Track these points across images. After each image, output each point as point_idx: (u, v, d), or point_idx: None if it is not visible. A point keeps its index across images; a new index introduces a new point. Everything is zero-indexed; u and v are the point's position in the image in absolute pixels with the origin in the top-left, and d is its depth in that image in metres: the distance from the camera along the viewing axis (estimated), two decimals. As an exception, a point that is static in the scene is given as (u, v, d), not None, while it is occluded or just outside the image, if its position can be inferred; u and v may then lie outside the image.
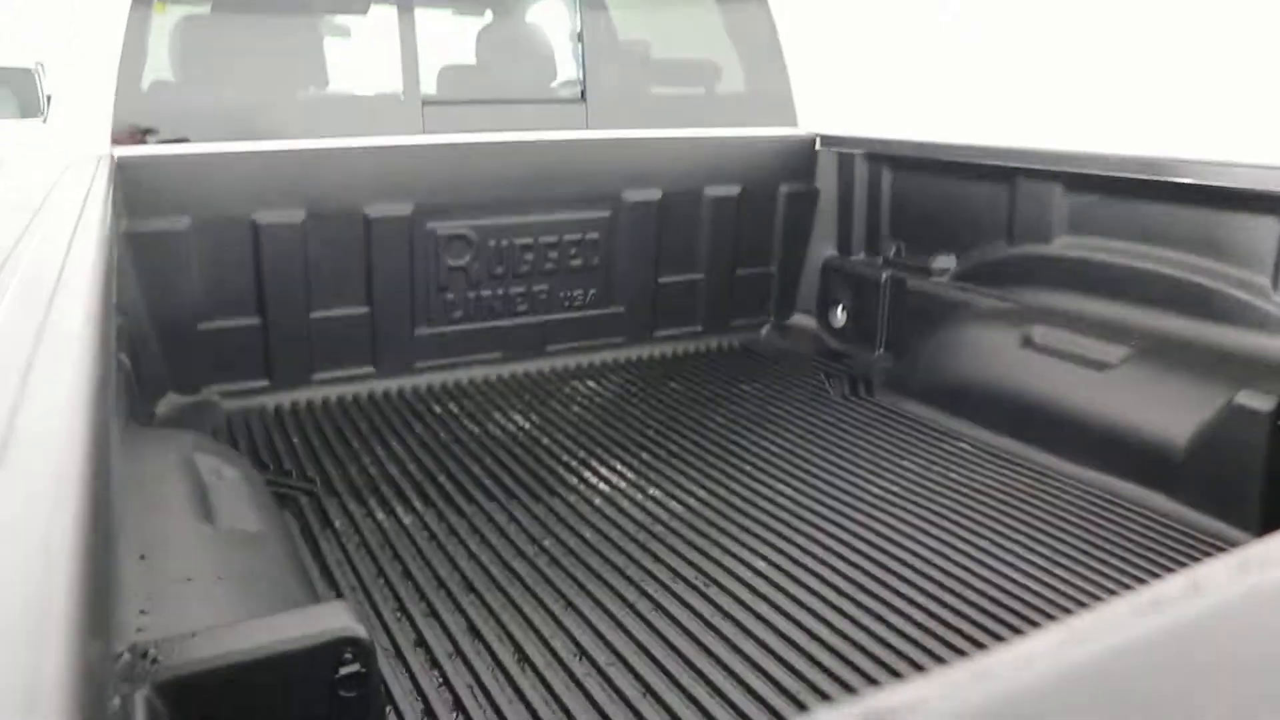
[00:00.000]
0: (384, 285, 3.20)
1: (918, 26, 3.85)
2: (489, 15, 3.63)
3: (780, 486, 2.59)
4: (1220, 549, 2.27)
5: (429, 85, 3.28)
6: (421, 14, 3.23)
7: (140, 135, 2.87)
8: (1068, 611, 2.00)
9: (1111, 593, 2.08)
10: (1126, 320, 2.83)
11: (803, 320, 4.02)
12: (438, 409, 3.15)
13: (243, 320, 3.05)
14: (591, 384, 3.43)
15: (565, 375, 3.51)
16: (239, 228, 2.96)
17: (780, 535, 2.32)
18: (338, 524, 2.36)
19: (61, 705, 0.36)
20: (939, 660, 1.84)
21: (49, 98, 4.85)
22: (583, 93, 3.50)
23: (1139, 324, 2.79)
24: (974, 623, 1.96)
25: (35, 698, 0.35)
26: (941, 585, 2.10)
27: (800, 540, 2.29)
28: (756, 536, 2.31)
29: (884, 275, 3.62)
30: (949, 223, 3.44)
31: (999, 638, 1.91)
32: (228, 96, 3.03)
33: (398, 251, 3.19)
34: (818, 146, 3.86)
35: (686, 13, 3.95)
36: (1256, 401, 2.30)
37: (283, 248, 3.01)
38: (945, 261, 3.46)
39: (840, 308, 3.86)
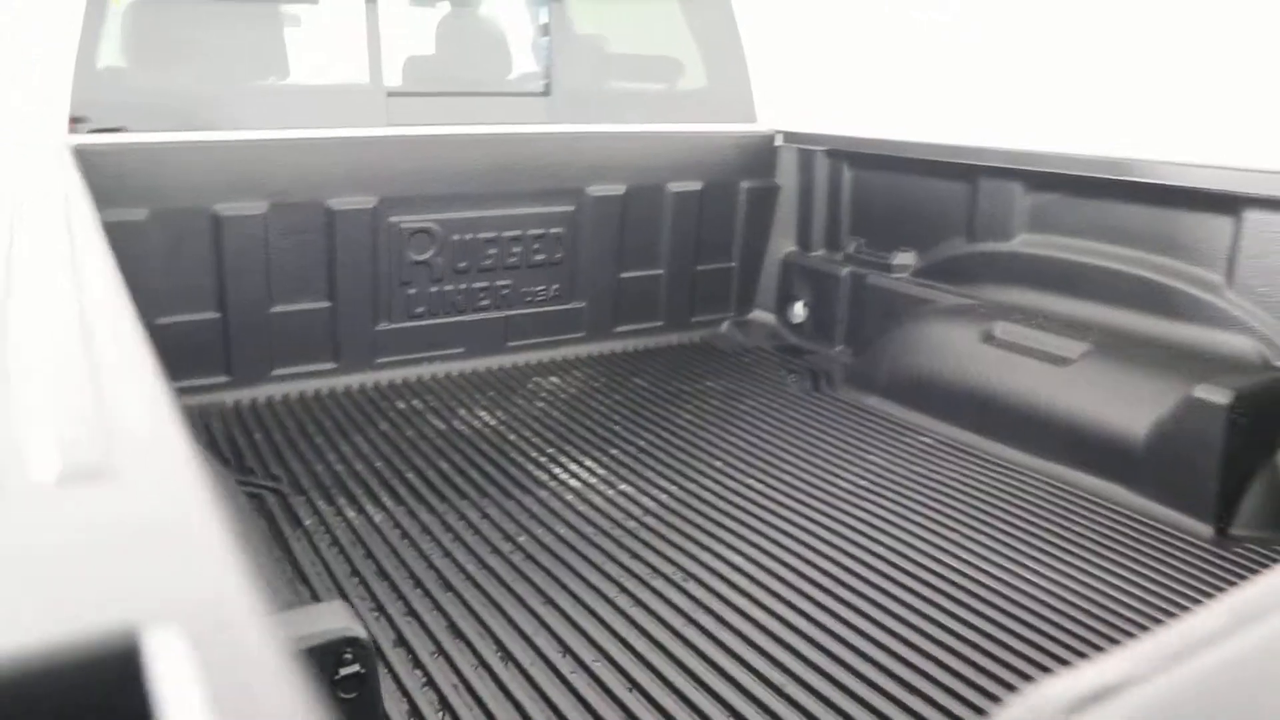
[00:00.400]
0: (346, 279, 3.15)
1: (883, 24, 3.90)
2: (453, 7, 3.59)
3: (750, 481, 2.61)
4: (1178, 539, 2.33)
5: (393, 77, 3.24)
6: (386, 4, 3.19)
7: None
8: (1036, 600, 2.05)
9: (1078, 582, 2.13)
10: (1086, 316, 2.90)
11: (761, 316, 4.05)
12: (401, 405, 3.11)
13: (202, 315, 2.99)
14: (555, 380, 3.42)
15: (528, 371, 3.49)
16: (199, 219, 2.89)
17: (753, 529, 2.33)
18: (307, 523, 2.32)
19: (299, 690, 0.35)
20: (914, 647, 1.86)
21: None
22: (547, 87, 3.48)
23: (1098, 320, 2.86)
24: (947, 611, 1.99)
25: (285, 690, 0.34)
26: (913, 575, 2.13)
27: (773, 534, 2.31)
28: (730, 531, 2.32)
29: (844, 271, 3.66)
30: (910, 219, 3.49)
31: (971, 625, 1.95)
32: (188, 85, 2.96)
33: (361, 245, 3.14)
34: (779, 143, 3.88)
35: (649, 9, 3.95)
36: (1213, 395, 2.37)
37: (244, 240, 2.95)
38: (906, 258, 3.50)
39: (800, 303, 3.89)
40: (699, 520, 2.38)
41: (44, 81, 2.81)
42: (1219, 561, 2.25)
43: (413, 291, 3.29)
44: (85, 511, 0.49)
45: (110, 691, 0.35)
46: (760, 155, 3.87)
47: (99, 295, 0.95)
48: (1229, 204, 2.60)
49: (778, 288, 3.98)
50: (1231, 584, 2.15)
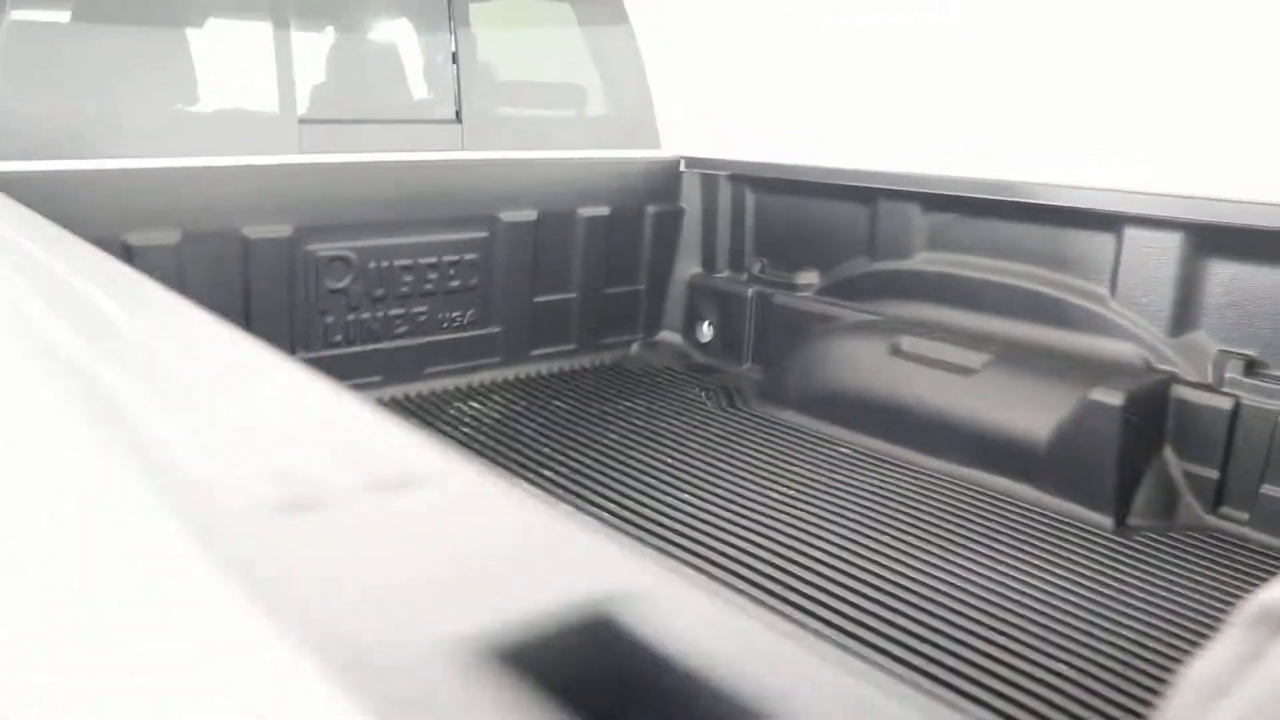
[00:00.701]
0: (262, 309, 3.09)
1: (786, 40, 4.06)
2: (364, 34, 3.58)
3: (686, 496, 2.69)
4: (1082, 530, 2.53)
5: (304, 103, 3.21)
6: (297, 31, 3.16)
7: None
8: (961, 590, 2.20)
9: (996, 573, 2.29)
10: (984, 329, 3.10)
11: (669, 336, 4.15)
12: (323, 435, 3.06)
13: None
14: (476, 405, 3.43)
15: (446, 397, 3.49)
16: (110, 250, 2.79)
17: (697, 541, 2.41)
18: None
19: None
20: (861, 641, 1.99)
21: None
22: (458, 113, 3.50)
23: (996, 332, 3.07)
24: (885, 605, 2.13)
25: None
26: (849, 575, 2.26)
27: (717, 544, 2.39)
28: (675, 545, 2.40)
29: (750, 291, 3.80)
30: (812, 240, 3.65)
31: (906, 615, 2.09)
32: (98, 111, 2.86)
33: (277, 274, 3.09)
34: (682, 168, 4.00)
35: (554, 38, 4.02)
36: (1108, 397, 2.58)
37: (157, 271, 2.86)
38: (809, 277, 3.66)
39: (706, 323, 4.01)
40: (644, 536, 2.44)
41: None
42: (1119, 549, 2.45)
43: (330, 320, 3.25)
44: (438, 514, 0.52)
45: (593, 658, 0.40)
46: (665, 180, 3.99)
47: (197, 316, 0.96)
48: (1111, 222, 2.84)
49: (684, 309, 4.09)
50: (1132, 569, 2.35)
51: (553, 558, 0.48)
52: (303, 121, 3.17)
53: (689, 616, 0.41)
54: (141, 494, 0.53)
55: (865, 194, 3.42)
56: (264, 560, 0.45)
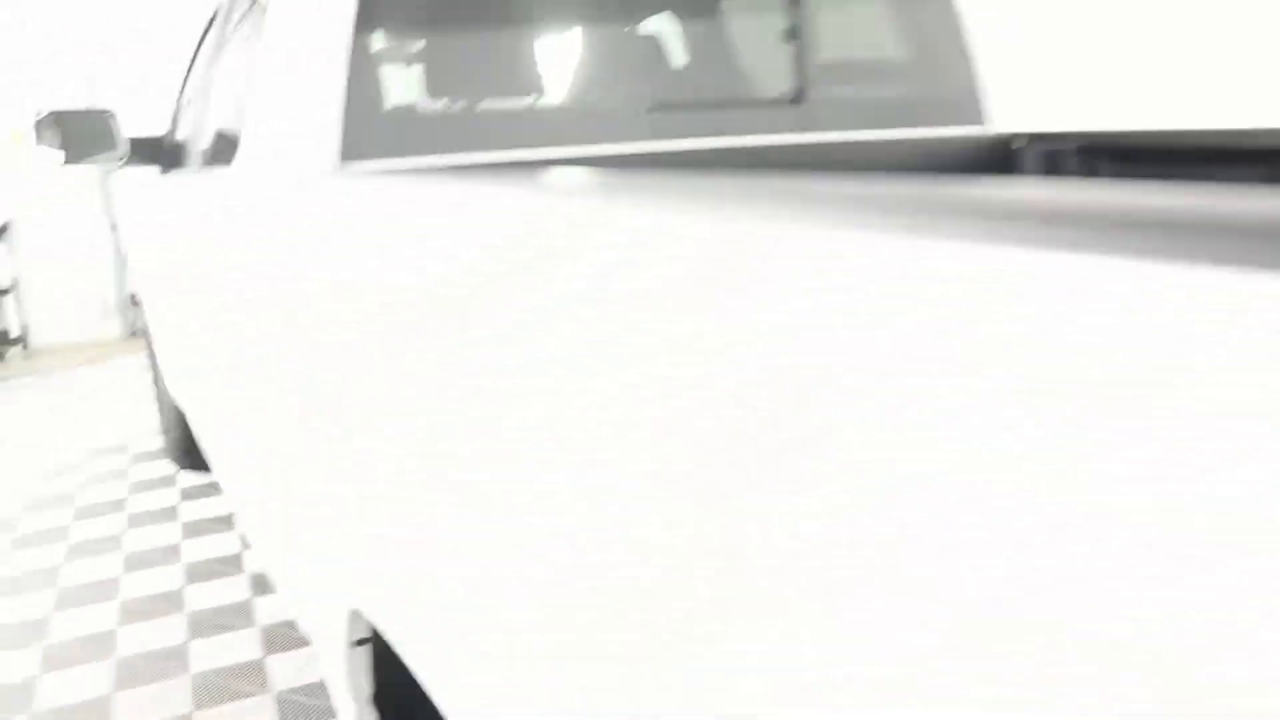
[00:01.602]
0: None
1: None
2: (703, 17, 3.40)
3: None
4: None
5: (651, 90, 3.03)
6: (638, 20, 2.99)
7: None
8: None
9: None
10: None
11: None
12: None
13: None
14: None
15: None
16: None
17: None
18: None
19: None
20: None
21: (129, 140, 4.54)
22: (799, 93, 3.26)
23: None
24: None
25: None
26: None
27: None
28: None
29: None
30: None
31: None
32: (459, 112, 2.74)
33: None
34: (1020, 144, 3.66)
35: (874, 12, 3.76)
36: None
37: None
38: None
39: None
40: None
41: (311, 109, 2.60)
42: None
43: None
44: None
45: None
46: (1002, 157, 3.65)
47: None
48: None
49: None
50: None
51: None
52: (651, 109, 2.98)
53: None
54: None
55: (1265, 157, 3.00)
56: None
